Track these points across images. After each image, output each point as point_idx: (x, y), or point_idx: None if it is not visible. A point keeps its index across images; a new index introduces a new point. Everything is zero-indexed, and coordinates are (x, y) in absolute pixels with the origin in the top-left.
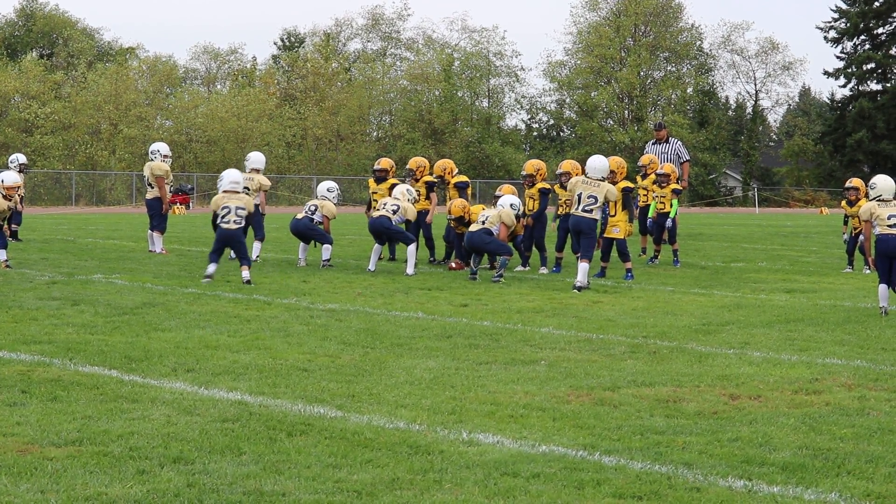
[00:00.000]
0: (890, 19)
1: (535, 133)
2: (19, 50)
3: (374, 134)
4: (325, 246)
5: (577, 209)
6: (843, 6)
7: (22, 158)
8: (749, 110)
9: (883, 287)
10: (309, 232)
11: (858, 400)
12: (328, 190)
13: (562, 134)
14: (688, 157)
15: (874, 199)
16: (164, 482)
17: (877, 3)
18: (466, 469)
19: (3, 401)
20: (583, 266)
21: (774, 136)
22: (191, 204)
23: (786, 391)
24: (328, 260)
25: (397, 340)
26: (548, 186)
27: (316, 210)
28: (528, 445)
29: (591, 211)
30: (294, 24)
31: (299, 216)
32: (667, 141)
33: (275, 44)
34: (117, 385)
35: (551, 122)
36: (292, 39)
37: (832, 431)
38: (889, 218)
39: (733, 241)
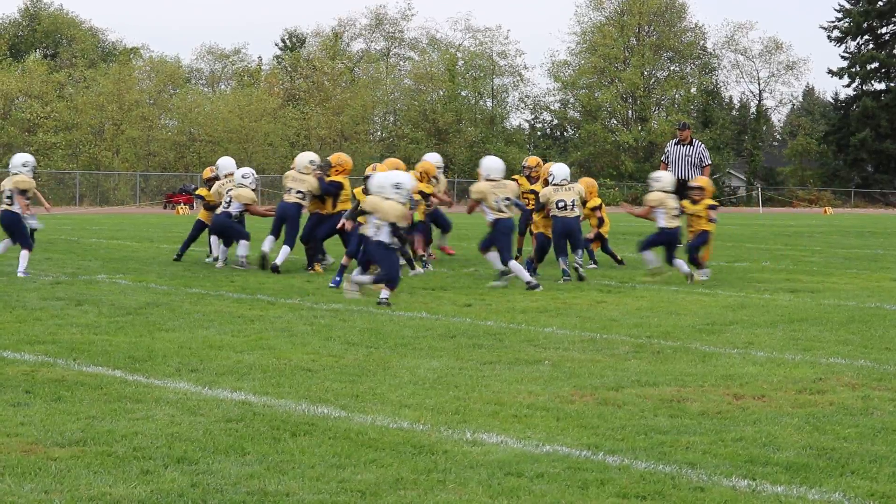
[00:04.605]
0: (894, 18)
1: (538, 133)
2: (23, 50)
3: (378, 134)
4: (248, 240)
5: (561, 213)
6: (847, 6)
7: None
8: (753, 110)
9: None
10: (228, 230)
11: (862, 399)
12: (243, 176)
13: (565, 134)
14: (710, 161)
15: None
16: (168, 482)
17: (880, 3)
18: (470, 469)
19: (7, 401)
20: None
21: (778, 136)
22: (195, 204)
23: (790, 391)
24: (244, 258)
25: (401, 340)
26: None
27: (231, 202)
28: (531, 445)
29: (574, 209)
30: (296, 24)
31: (218, 211)
32: (690, 143)
33: (276, 45)
34: (121, 385)
35: (555, 121)
36: (293, 39)
37: (836, 431)
38: (558, 203)
39: (737, 241)
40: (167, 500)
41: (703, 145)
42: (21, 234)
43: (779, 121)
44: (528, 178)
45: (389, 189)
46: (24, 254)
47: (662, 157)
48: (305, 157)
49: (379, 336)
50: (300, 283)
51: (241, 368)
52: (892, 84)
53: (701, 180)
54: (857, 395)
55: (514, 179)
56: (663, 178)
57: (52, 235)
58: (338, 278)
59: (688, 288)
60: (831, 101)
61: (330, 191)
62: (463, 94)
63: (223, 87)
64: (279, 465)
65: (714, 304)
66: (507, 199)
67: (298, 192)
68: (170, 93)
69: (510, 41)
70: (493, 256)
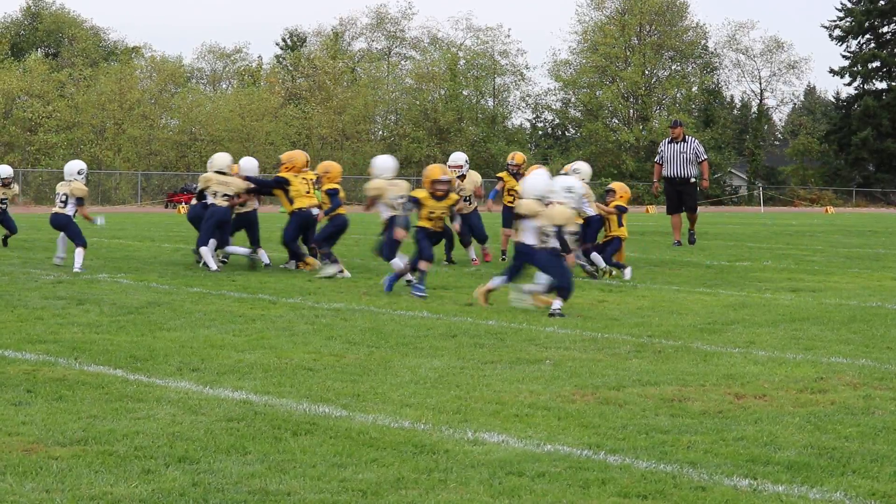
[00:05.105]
0: (895, 17)
1: (539, 132)
2: (24, 49)
3: (380, 133)
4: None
5: None
6: (849, 5)
7: (5, 172)
8: (754, 109)
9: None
10: (66, 229)
11: (864, 399)
12: (79, 173)
13: (567, 133)
14: (706, 156)
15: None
16: (170, 481)
17: (882, 2)
18: (471, 468)
19: (9, 400)
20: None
21: (779, 135)
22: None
23: (791, 390)
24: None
25: (402, 340)
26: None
27: (67, 199)
28: (533, 445)
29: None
30: (297, 23)
31: (55, 209)
32: (684, 140)
33: (277, 44)
34: (122, 384)
35: (556, 121)
36: (294, 39)
37: (837, 430)
38: None
39: (738, 240)
40: (168, 500)
41: (696, 141)
42: (76, 233)
43: (780, 120)
44: (514, 175)
45: (560, 192)
46: (80, 251)
47: (656, 158)
48: (226, 158)
49: (380, 335)
50: (301, 283)
51: (243, 368)
52: (893, 83)
53: (615, 185)
54: (859, 394)
55: (499, 178)
56: (583, 170)
57: (54, 234)
58: (420, 286)
59: (689, 287)
60: (833, 100)
61: (271, 184)
62: (464, 93)
63: (224, 86)
64: (280, 465)
65: (715, 304)
66: (402, 196)
67: (225, 195)
68: (171, 92)
69: (511, 40)
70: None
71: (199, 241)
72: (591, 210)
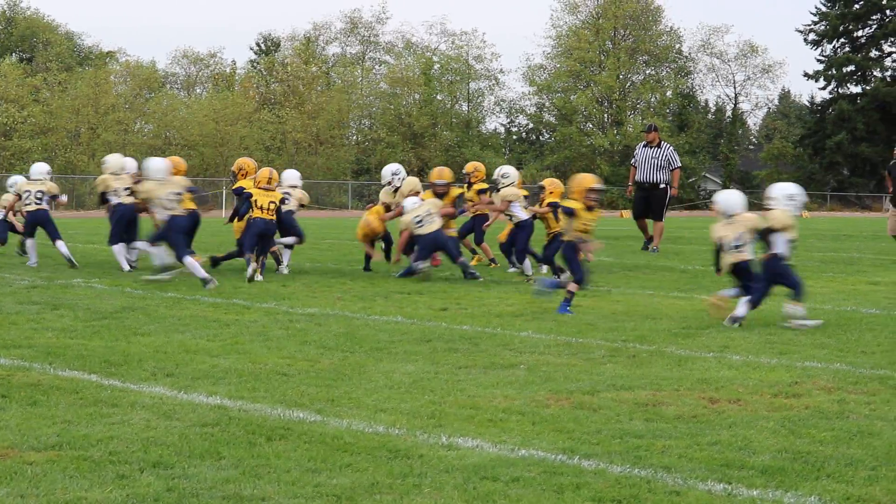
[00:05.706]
0: (870, 22)
1: (514, 137)
2: None
3: (354, 138)
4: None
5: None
6: (823, 9)
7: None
8: (729, 113)
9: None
10: (47, 224)
11: (838, 403)
12: (47, 173)
13: (541, 138)
14: (679, 164)
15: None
16: (144, 487)
17: (856, 6)
18: (446, 473)
19: None
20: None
21: (754, 140)
22: None
23: (765, 394)
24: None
25: (377, 345)
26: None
27: (44, 196)
28: (507, 449)
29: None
30: (271, 27)
31: (32, 207)
32: (658, 146)
33: (251, 49)
34: (97, 389)
35: (530, 125)
36: (268, 43)
37: (812, 435)
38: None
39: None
40: None
41: (671, 148)
42: (55, 228)
43: (755, 124)
44: (468, 184)
45: (782, 199)
46: (62, 244)
47: (632, 161)
48: (118, 160)
49: (354, 340)
50: (275, 288)
51: (217, 372)
52: (867, 87)
53: (546, 181)
54: (833, 398)
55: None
56: (511, 174)
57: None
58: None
59: (664, 291)
60: (807, 104)
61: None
62: (439, 97)
63: (199, 91)
64: (255, 470)
65: (690, 308)
66: (178, 193)
67: (126, 188)
68: (145, 97)
69: (486, 45)
70: (162, 251)
71: (109, 241)
72: (524, 214)
